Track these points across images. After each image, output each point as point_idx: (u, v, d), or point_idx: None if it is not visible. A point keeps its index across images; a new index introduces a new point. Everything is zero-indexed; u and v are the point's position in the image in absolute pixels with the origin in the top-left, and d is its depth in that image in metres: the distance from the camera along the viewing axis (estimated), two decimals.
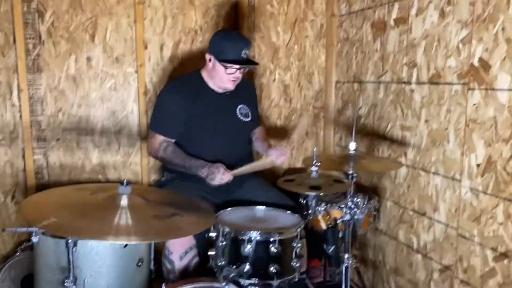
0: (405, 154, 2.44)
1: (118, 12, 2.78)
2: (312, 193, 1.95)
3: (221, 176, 2.28)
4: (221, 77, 2.40)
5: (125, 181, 1.76)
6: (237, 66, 2.35)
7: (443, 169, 2.17)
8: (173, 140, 2.43)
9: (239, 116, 2.54)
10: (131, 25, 2.81)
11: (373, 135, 2.72)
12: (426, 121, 2.27)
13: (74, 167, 2.81)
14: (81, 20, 2.72)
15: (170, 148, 2.40)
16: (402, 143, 2.46)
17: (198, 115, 2.43)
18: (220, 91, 2.50)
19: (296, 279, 1.98)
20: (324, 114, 3.32)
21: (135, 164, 2.92)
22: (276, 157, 2.44)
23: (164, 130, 2.43)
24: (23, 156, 2.70)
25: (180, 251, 2.17)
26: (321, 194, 2.01)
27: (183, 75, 2.62)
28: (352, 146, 2.17)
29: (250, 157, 2.65)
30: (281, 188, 2.08)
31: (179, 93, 2.45)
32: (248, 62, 2.41)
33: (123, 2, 2.77)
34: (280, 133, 3.22)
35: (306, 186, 1.96)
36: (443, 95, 2.15)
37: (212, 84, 2.48)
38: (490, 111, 1.88)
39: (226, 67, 2.35)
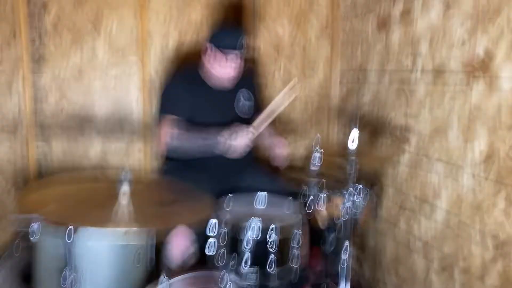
0: (408, 142, 2.43)
1: (123, 3, 2.77)
2: (313, 180, 1.94)
3: (241, 139, 2.22)
4: (223, 65, 2.40)
5: (126, 168, 1.76)
6: (237, 51, 2.37)
7: (445, 156, 2.16)
8: (182, 119, 2.41)
9: (237, 113, 2.54)
10: (136, 16, 2.80)
11: (376, 123, 2.71)
12: (430, 108, 2.25)
13: (77, 155, 2.82)
14: (86, 10, 2.71)
15: (182, 124, 2.36)
16: (405, 131, 2.45)
17: (197, 111, 2.44)
18: (221, 85, 2.49)
19: (297, 267, 1.99)
20: (328, 104, 3.30)
21: (138, 151, 2.93)
22: (276, 146, 2.46)
23: (174, 109, 2.42)
24: (26, 145, 2.71)
25: (180, 247, 2.17)
26: (323, 181, 2.00)
27: (181, 70, 2.64)
28: (355, 134, 2.16)
29: (250, 153, 2.64)
30: (282, 175, 2.07)
31: (181, 84, 2.48)
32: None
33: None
34: (283, 122, 3.21)
35: (308, 173, 1.95)
36: (447, 82, 2.13)
37: (211, 81, 2.48)
38: (494, 99, 1.87)
39: (226, 53, 2.36)
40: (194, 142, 2.31)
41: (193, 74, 2.52)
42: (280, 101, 2.32)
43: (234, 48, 2.36)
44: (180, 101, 2.44)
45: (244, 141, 2.23)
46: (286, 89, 2.30)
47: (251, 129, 2.24)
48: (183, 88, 2.45)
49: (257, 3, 3.02)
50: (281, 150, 2.49)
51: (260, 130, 2.24)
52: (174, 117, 2.39)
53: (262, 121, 2.27)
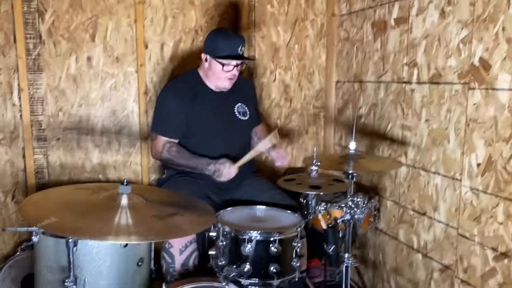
0: (405, 154, 2.44)
1: (119, 12, 2.78)
2: (312, 193, 1.95)
3: (227, 171, 2.31)
4: (218, 76, 2.40)
5: (125, 180, 1.76)
6: (235, 62, 2.36)
7: (443, 169, 2.17)
8: (176, 141, 2.44)
9: (237, 115, 2.54)
10: (132, 24, 2.81)
11: (373, 135, 2.72)
12: (427, 120, 2.27)
13: (75, 166, 2.80)
14: (82, 19, 2.72)
15: (174, 148, 2.41)
16: (402, 143, 2.46)
17: (196, 114, 2.44)
18: (218, 89, 2.49)
19: (296, 279, 1.99)
20: (324, 114, 3.32)
21: (135, 164, 2.92)
22: (277, 159, 2.50)
23: (166, 131, 2.44)
24: (24, 156, 2.70)
25: (180, 245, 2.18)
26: (321, 193, 2.01)
27: (180, 75, 2.62)
28: (352, 145, 2.17)
29: (249, 165, 2.63)
30: (281, 187, 2.08)
31: (178, 93, 2.46)
32: (245, 57, 2.44)
33: (123, 1, 2.77)
34: (280, 133, 3.20)
35: (306, 186, 1.96)
36: (443, 95, 2.15)
37: (209, 83, 2.48)
38: (491, 110, 1.88)
39: (223, 64, 2.35)
40: (184, 166, 2.41)
41: (192, 77, 2.50)
42: (261, 147, 2.44)
43: (232, 59, 2.36)
44: (173, 119, 2.44)
45: (227, 177, 2.33)
46: (267, 140, 2.41)
47: (234, 168, 2.33)
48: (178, 101, 2.43)
49: (252, 11, 3.04)
50: (282, 162, 2.53)
51: (240, 165, 2.36)
52: (165, 139, 2.43)
53: (245, 160, 2.38)
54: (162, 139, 2.43)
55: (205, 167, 2.34)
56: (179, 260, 2.18)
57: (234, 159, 2.36)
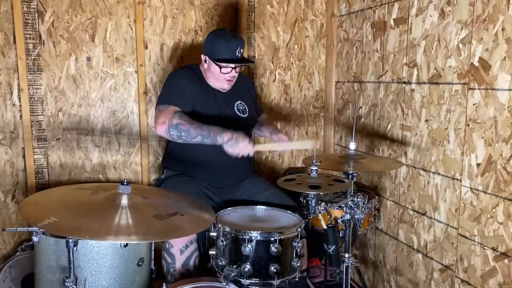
0: (405, 154, 2.44)
1: (118, 12, 2.78)
2: (312, 193, 1.95)
3: (243, 145, 2.21)
4: (217, 77, 2.40)
5: (125, 180, 1.76)
6: (232, 65, 2.35)
7: (443, 169, 2.18)
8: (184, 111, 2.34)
9: (237, 112, 2.54)
10: (131, 25, 2.81)
11: (373, 135, 2.72)
12: (426, 120, 2.27)
13: (74, 167, 2.81)
14: (81, 20, 2.72)
15: (185, 116, 2.26)
16: (402, 143, 2.46)
17: (200, 106, 2.41)
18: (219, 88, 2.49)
19: (297, 279, 1.99)
20: (324, 114, 3.32)
21: (135, 164, 2.92)
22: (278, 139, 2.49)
23: (177, 100, 2.33)
24: (24, 156, 2.70)
25: (180, 245, 2.18)
26: (321, 193, 2.01)
27: (184, 66, 2.57)
28: (352, 145, 2.18)
29: (249, 165, 2.63)
30: (281, 187, 2.08)
31: (187, 78, 2.43)
32: (243, 60, 2.42)
33: (123, 2, 2.77)
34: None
35: (306, 186, 1.96)
36: (443, 95, 2.15)
37: (209, 81, 2.48)
38: (490, 111, 1.88)
39: (221, 67, 2.35)
40: (197, 130, 2.22)
41: (195, 71, 2.49)
42: (291, 145, 2.41)
43: (231, 61, 2.34)
44: (184, 93, 2.36)
45: (239, 151, 2.22)
46: (304, 143, 2.41)
47: (250, 147, 2.23)
48: (188, 82, 2.40)
49: (252, 11, 3.05)
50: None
51: (258, 150, 2.26)
52: (176, 108, 2.29)
53: (264, 147, 2.30)
54: (171, 109, 2.28)
55: (219, 134, 2.21)
56: (179, 260, 2.18)
57: (231, 158, 2.32)
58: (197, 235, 2.20)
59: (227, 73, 2.37)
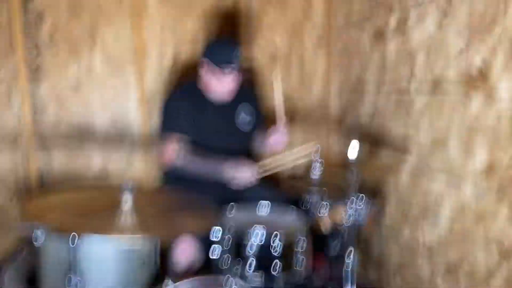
0: (407, 161, 2.43)
1: (118, 21, 2.81)
2: (314, 189, 1.95)
3: (247, 179, 2.27)
4: (216, 83, 2.40)
5: (128, 182, 1.76)
6: (233, 65, 2.36)
7: (447, 167, 2.16)
8: (187, 137, 2.39)
9: (238, 126, 2.55)
10: (131, 33, 2.83)
11: (373, 144, 2.71)
12: (427, 128, 2.27)
13: (77, 173, 2.80)
14: (81, 28, 2.74)
15: (188, 145, 2.35)
16: (403, 152, 2.45)
17: (198, 126, 2.44)
18: (221, 99, 2.50)
19: (299, 278, 1.97)
20: (324, 122, 3.32)
21: (137, 171, 2.92)
22: (275, 141, 2.49)
23: (177, 127, 2.40)
24: (27, 155, 2.69)
25: (184, 247, 2.16)
26: (324, 189, 2.00)
27: (179, 87, 2.63)
28: (353, 153, 2.16)
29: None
30: (283, 187, 2.08)
31: (181, 100, 2.47)
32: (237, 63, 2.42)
33: (122, 10, 2.80)
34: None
35: (309, 182, 1.96)
36: (443, 103, 2.16)
37: (210, 95, 2.49)
38: (493, 110, 1.89)
39: (221, 67, 2.35)
40: (199, 165, 2.32)
41: (192, 89, 2.51)
42: (294, 156, 2.39)
43: (230, 62, 2.36)
44: (182, 117, 2.42)
45: (248, 176, 2.28)
46: (303, 149, 2.37)
47: (256, 168, 2.28)
48: (184, 104, 2.44)
49: (253, 13, 3.07)
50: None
51: (264, 174, 2.29)
52: (178, 135, 2.37)
53: (269, 168, 2.32)
54: (174, 137, 2.36)
55: (222, 171, 2.29)
56: (182, 262, 2.16)
57: None
58: (200, 235, 2.18)
59: (225, 79, 2.39)
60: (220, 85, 2.43)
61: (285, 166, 2.36)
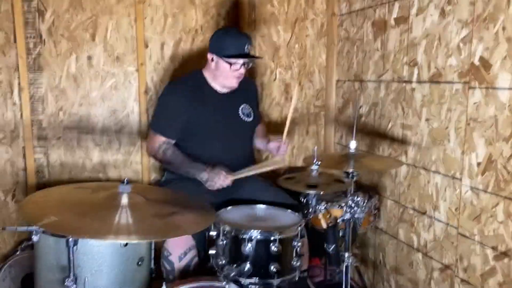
0: (406, 153, 2.44)
1: (119, 11, 2.78)
2: (312, 192, 1.95)
3: (221, 183, 2.30)
4: (226, 75, 2.39)
5: (125, 179, 1.76)
6: (242, 61, 2.35)
7: (443, 168, 2.17)
8: (173, 141, 2.43)
9: (241, 116, 2.54)
10: (132, 24, 2.81)
11: (373, 134, 2.72)
12: (427, 120, 2.27)
13: (75, 165, 2.81)
14: (82, 19, 2.72)
15: (169, 150, 2.40)
16: (402, 142, 2.46)
17: (199, 115, 2.42)
18: (223, 90, 2.49)
19: (297, 278, 1.98)
20: (324, 113, 3.31)
21: (136, 163, 2.93)
22: (276, 150, 2.50)
23: (164, 130, 2.43)
24: (24, 155, 2.70)
25: (179, 252, 2.16)
26: (322, 193, 2.00)
27: (184, 75, 2.61)
28: (353, 144, 2.17)
29: (252, 157, 2.65)
30: (281, 186, 2.07)
31: (180, 94, 2.44)
32: (252, 55, 2.43)
33: (123, 1, 2.77)
34: (280, 132, 3.20)
35: (307, 185, 1.96)
36: (443, 94, 2.15)
37: (214, 84, 2.47)
38: (491, 109, 1.88)
39: (231, 64, 2.34)
40: (177, 166, 2.42)
41: (196, 78, 2.49)
42: (265, 165, 2.49)
43: (241, 56, 2.34)
44: (173, 119, 2.42)
45: (219, 187, 2.32)
46: (273, 161, 2.52)
47: (228, 179, 2.31)
48: (182, 99, 2.42)
49: (253, 10, 3.04)
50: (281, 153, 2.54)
51: (237, 178, 2.35)
52: (163, 139, 2.41)
53: (243, 174, 2.36)
54: (159, 138, 2.41)
55: (198, 173, 2.33)
56: (178, 267, 2.16)
57: (233, 163, 2.36)
58: (196, 234, 2.19)
59: (237, 70, 2.36)
60: (228, 79, 2.41)
61: (256, 172, 2.41)
